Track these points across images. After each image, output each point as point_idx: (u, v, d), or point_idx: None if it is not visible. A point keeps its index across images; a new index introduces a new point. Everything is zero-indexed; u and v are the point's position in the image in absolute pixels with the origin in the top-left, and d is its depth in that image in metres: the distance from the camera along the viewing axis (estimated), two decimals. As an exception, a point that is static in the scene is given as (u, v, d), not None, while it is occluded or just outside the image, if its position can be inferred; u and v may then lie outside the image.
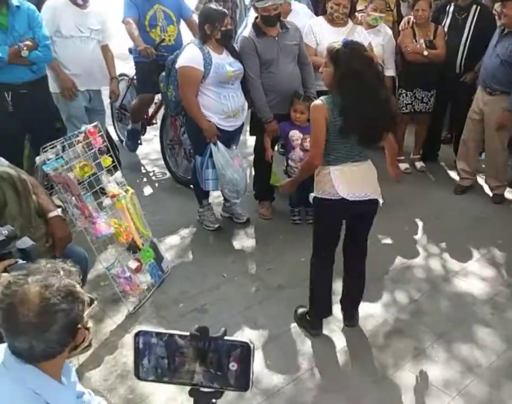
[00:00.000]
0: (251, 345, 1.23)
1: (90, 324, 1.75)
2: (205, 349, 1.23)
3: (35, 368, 1.63)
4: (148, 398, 3.04)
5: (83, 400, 1.91)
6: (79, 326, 1.67)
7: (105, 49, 5.02)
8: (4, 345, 1.66)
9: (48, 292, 1.58)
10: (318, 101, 3.13)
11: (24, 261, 2.34)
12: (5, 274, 1.69)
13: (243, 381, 1.24)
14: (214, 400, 1.26)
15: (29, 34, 4.17)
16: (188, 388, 1.26)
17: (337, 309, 3.63)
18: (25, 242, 2.46)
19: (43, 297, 1.58)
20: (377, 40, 5.29)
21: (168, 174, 5.51)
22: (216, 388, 1.25)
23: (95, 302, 1.78)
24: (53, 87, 4.73)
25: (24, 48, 4.08)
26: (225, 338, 1.24)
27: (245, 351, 1.22)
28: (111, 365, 3.27)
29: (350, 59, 3.01)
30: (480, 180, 5.63)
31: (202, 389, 1.25)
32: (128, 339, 3.46)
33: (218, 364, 1.23)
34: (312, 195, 3.29)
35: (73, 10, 4.70)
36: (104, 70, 5.05)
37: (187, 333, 1.24)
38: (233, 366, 1.23)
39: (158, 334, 1.25)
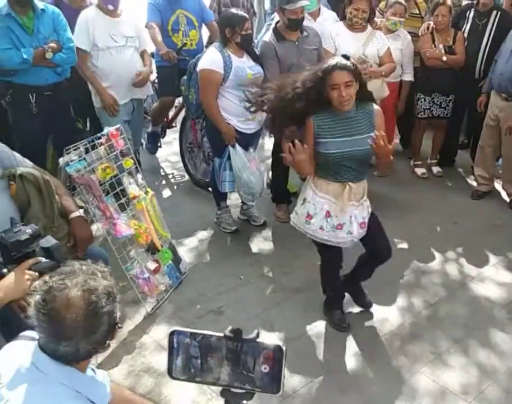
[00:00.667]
0: (284, 349, 1.24)
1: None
2: (238, 350, 1.25)
3: (74, 369, 1.66)
4: (166, 398, 3.07)
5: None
6: (116, 325, 1.71)
7: (144, 54, 4.97)
8: (31, 348, 1.67)
9: (94, 296, 1.61)
10: None
11: (48, 260, 2.39)
12: (41, 278, 1.72)
13: (274, 384, 1.25)
14: (244, 402, 1.28)
15: (54, 37, 4.24)
16: (219, 388, 1.28)
17: (356, 318, 3.68)
18: (49, 241, 2.49)
19: (89, 300, 1.60)
20: (396, 45, 5.30)
21: (187, 177, 5.57)
22: (247, 389, 1.26)
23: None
24: (95, 101, 4.79)
25: (49, 50, 4.16)
26: (258, 340, 1.25)
27: (277, 354, 1.24)
28: (129, 364, 3.30)
29: None
30: (498, 185, 5.61)
31: (233, 390, 1.27)
32: (146, 339, 3.51)
33: (250, 366, 1.25)
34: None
35: (106, 21, 4.66)
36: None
37: (221, 334, 1.26)
38: (265, 368, 1.24)
39: (192, 334, 1.28)
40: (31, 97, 4.26)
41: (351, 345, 3.48)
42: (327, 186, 3.29)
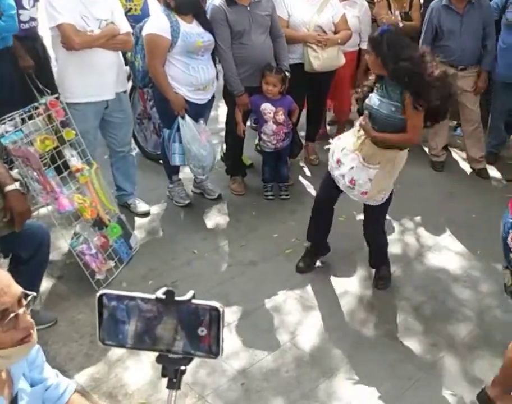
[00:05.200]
0: (221, 309, 1.14)
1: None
2: (172, 313, 1.16)
3: None
4: (117, 376, 2.96)
5: (46, 385, 1.80)
6: None
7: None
8: None
9: None
10: None
11: None
12: None
13: (213, 347, 1.17)
14: (183, 368, 1.19)
15: None
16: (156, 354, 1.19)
17: (314, 289, 3.63)
18: None
19: None
20: (353, 12, 5.18)
21: (137, 150, 5.37)
22: (185, 354, 1.18)
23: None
24: (66, 94, 3.86)
25: None
26: (193, 301, 1.15)
27: (215, 315, 1.15)
28: (78, 343, 3.17)
29: None
30: (455, 155, 5.63)
31: (170, 355, 1.18)
32: (95, 317, 3.34)
33: (187, 329, 1.16)
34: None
35: (76, 0, 3.75)
36: (122, 69, 4.18)
37: (152, 296, 1.16)
38: (202, 331, 1.15)
39: (118, 296, 1.18)
40: None
41: (310, 317, 3.43)
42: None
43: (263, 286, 3.66)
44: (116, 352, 3.08)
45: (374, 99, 3.32)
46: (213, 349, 1.16)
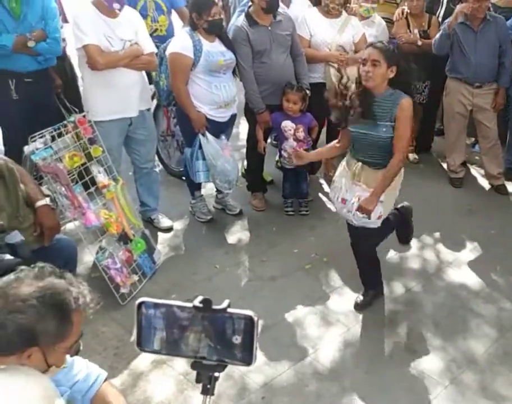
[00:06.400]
0: (255, 318, 1.19)
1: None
2: (208, 321, 1.20)
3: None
4: (141, 389, 3.01)
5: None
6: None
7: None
8: None
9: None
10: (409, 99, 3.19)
11: (12, 257, 2.31)
12: None
13: (246, 355, 1.21)
14: (216, 374, 1.23)
15: (41, 25, 4.08)
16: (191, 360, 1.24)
17: (336, 300, 3.66)
18: (15, 237, 2.42)
19: None
20: (370, 31, 5.24)
21: (161, 166, 5.47)
22: (219, 361, 1.22)
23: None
24: (91, 113, 3.92)
25: (32, 39, 4.00)
26: (229, 310, 1.20)
27: (249, 324, 1.19)
28: (102, 356, 3.23)
29: None
30: (473, 171, 5.63)
31: (204, 362, 1.22)
32: (119, 330, 3.43)
33: (221, 337, 1.20)
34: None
35: (102, 21, 3.88)
36: (146, 88, 4.30)
37: (190, 305, 1.21)
38: (236, 339, 1.20)
39: (156, 304, 1.22)
40: (10, 83, 4.12)
41: (330, 332, 3.46)
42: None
43: (283, 301, 3.69)
44: (140, 365, 3.14)
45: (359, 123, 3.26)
46: (246, 357, 1.20)
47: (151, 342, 1.24)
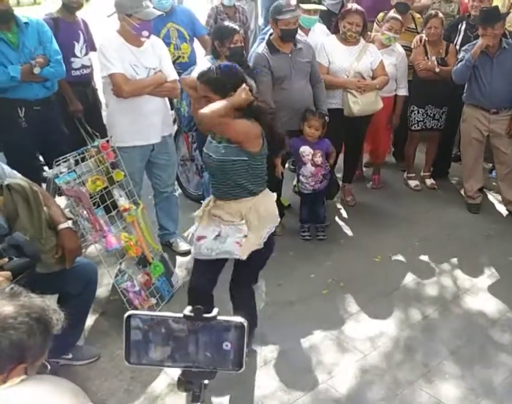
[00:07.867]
0: (245, 324, 1.22)
1: None
2: (199, 329, 1.23)
3: None
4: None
5: None
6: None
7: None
8: None
9: None
10: None
11: (18, 258, 2.34)
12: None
13: (236, 361, 1.23)
14: (206, 382, 1.26)
15: (40, 50, 4.17)
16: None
17: (351, 329, 3.66)
18: (17, 238, 2.43)
19: None
20: (390, 60, 5.29)
21: (180, 190, 5.53)
22: (209, 369, 1.24)
23: None
24: (115, 138, 3.95)
25: (36, 65, 4.09)
26: (219, 317, 1.23)
27: (239, 330, 1.22)
28: (118, 379, 3.25)
29: None
30: (490, 197, 5.63)
31: (194, 370, 1.25)
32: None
33: (212, 344, 1.23)
34: None
35: (127, 49, 3.95)
36: (169, 114, 4.40)
37: (181, 315, 1.23)
38: (226, 345, 1.22)
39: (149, 317, 1.24)
40: (20, 111, 4.19)
41: (346, 358, 3.45)
42: None
43: (300, 326, 3.69)
44: (156, 388, 3.14)
45: (213, 148, 3.04)
46: (236, 363, 1.23)
47: (141, 355, 1.24)
